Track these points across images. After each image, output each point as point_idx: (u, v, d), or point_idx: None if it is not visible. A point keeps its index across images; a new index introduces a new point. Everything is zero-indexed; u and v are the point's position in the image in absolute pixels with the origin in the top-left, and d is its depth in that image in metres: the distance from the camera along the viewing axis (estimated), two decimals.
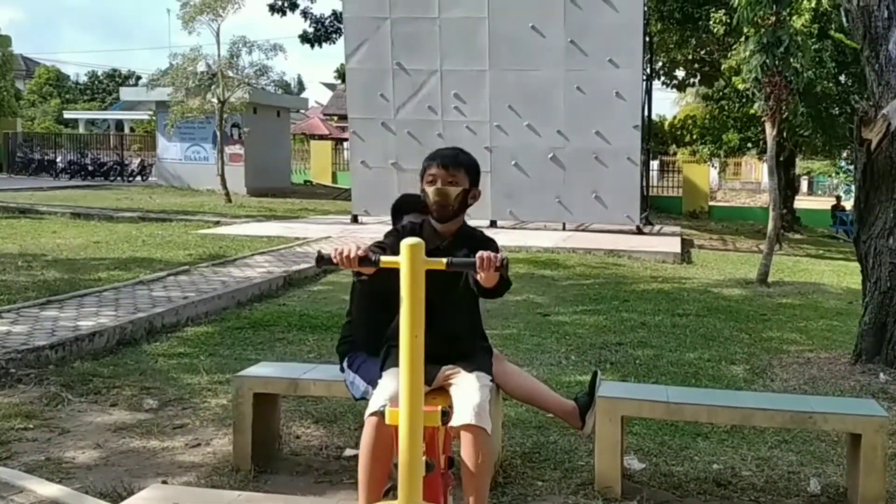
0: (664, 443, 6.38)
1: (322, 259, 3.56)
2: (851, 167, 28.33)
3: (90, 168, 42.84)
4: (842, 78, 24.18)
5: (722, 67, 26.94)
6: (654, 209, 30.12)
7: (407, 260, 3.27)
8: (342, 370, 5.39)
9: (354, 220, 23.92)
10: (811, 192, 49.76)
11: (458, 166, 4.34)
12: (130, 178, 41.77)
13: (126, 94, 52.10)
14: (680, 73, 33.39)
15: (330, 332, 9.93)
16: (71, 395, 7.16)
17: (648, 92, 26.89)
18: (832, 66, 22.41)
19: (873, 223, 8.49)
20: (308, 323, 10.39)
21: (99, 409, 6.92)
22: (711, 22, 23.45)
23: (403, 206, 5.24)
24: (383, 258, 3.46)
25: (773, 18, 14.50)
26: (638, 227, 22.92)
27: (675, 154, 39.83)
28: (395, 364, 3.88)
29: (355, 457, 5.94)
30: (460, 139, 21.75)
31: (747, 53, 15.12)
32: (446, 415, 3.60)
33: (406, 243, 3.28)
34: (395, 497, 3.46)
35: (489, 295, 4.04)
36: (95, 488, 5.23)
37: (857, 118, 8.52)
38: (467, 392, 4.05)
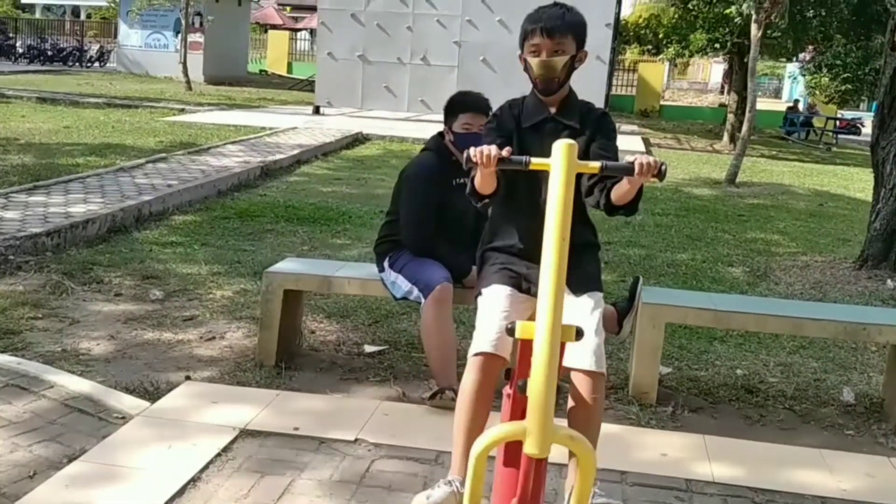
0: (682, 346, 6.34)
1: (469, 160, 3.19)
2: (817, 70, 28.11)
3: (49, 53, 41.65)
4: None
5: None
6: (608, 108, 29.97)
7: (562, 162, 2.84)
8: (381, 269, 5.27)
9: (316, 111, 23.58)
10: None
11: (566, 31, 3.65)
12: (89, 64, 40.78)
13: None
14: None
15: (318, 224, 9.81)
16: (73, 283, 6.93)
17: None
18: None
19: None
20: (294, 214, 10.21)
21: (104, 299, 6.71)
22: None
23: (458, 106, 5.05)
24: (534, 160, 3.03)
25: None
26: None
27: (625, 52, 39.49)
28: (502, 281, 3.59)
29: (375, 353, 5.89)
30: (429, 33, 21.43)
31: None
32: (580, 333, 2.88)
33: (560, 144, 2.84)
34: None
35: (616, 211, 3.51)
36: (120, 383, 5.04)
37: (892, 22, 8.32)
38: (582, 326, 3.01)
